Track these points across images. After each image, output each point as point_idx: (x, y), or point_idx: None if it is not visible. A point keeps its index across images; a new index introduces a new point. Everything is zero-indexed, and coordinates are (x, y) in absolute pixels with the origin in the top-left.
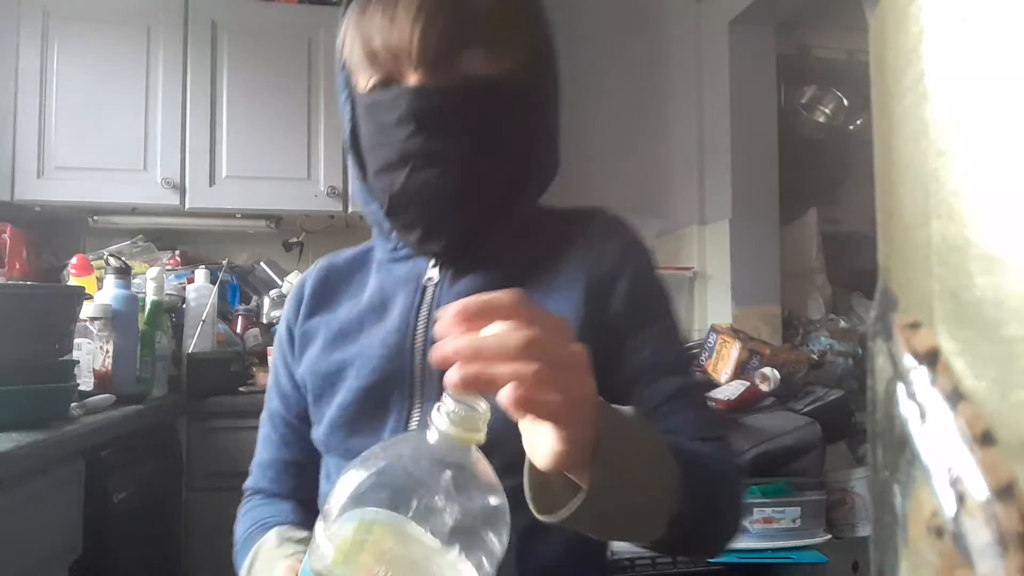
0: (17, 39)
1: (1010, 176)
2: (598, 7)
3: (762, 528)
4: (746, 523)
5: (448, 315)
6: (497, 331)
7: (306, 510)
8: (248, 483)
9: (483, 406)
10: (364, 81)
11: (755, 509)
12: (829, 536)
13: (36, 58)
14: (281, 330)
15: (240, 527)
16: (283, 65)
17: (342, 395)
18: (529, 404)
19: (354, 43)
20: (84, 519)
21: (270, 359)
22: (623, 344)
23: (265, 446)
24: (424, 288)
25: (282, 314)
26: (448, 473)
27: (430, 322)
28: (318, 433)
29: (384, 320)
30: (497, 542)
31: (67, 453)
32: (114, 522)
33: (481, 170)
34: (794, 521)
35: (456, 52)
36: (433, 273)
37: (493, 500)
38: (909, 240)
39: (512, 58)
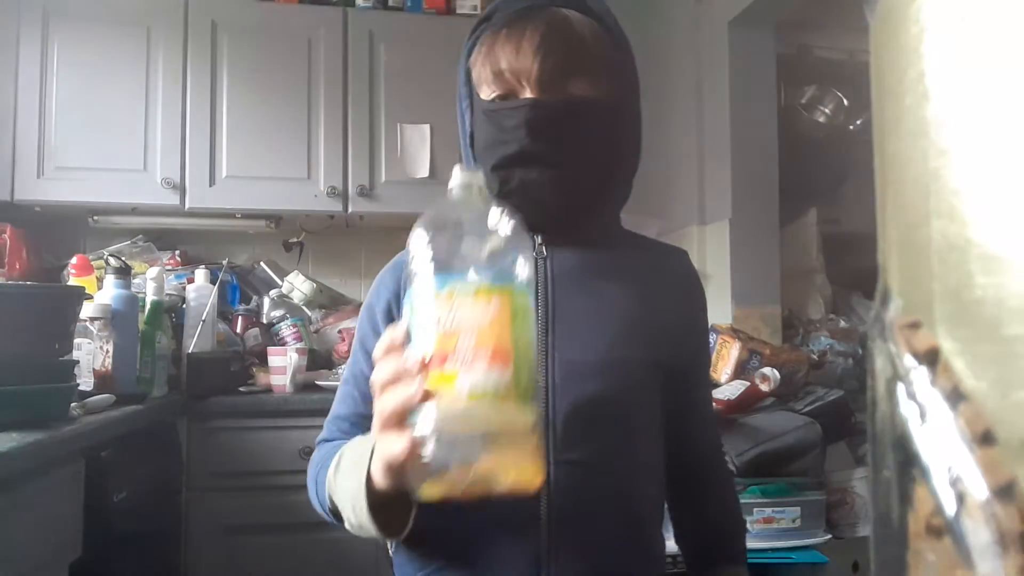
0: (17, 39)
1: (1011, 175)
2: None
3: (762, 528)
4: (746, 523)
5: None
6: None
7: None
8: (321, 435)
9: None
10: (487, 93)
11: (755, 509)
12: (829, 536)
13: (36, 58)
14: (377, 302)
15: (315, 459)
16: (283, 65)
17: None
18: None
19: (485, 64)
20: (84, 519)
21: (271, 358)
22: (690, 382)
23: (343, 402)
24: (535, 260)
25: (378, 289)
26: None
27: (547, 285)
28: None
29: None
30: (522, 261)
31: (67, 453)
32: (114, 522)
33: (573, 172)
34: (794, 521)
35: (564, 77)
36: (541, 248)
37: (505, 229)
38: (909, 240)
39: (606, 88)
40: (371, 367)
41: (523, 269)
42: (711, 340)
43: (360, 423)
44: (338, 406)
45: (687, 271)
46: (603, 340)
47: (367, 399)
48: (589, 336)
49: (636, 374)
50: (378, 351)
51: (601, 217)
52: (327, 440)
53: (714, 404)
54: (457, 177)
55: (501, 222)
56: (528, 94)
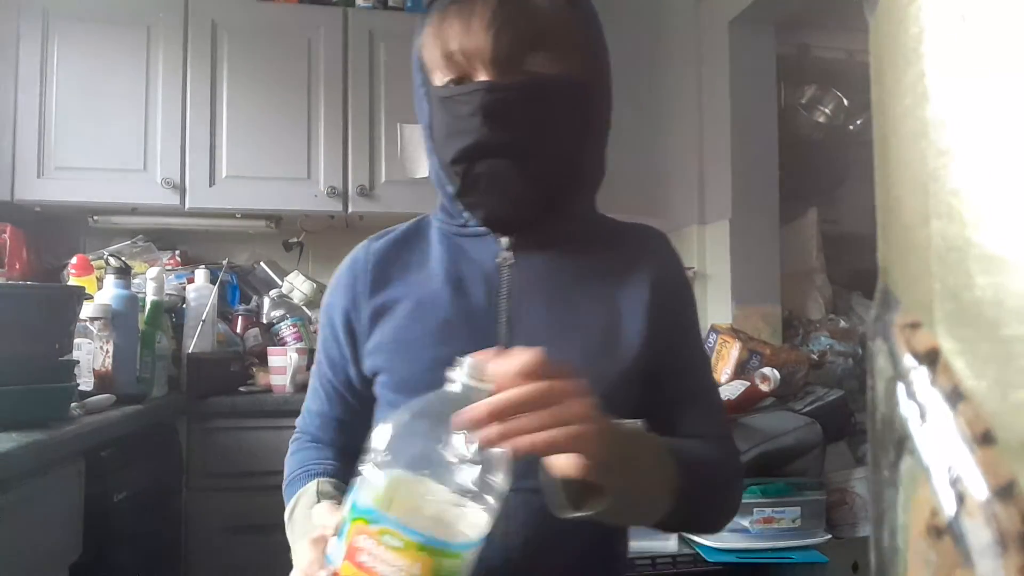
0: (17, 39)
1: (1010, 176)
2: (597, 7)
3: (762, 528)
4: (746, 523)
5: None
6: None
7: (345, 457)
8: (298, 422)
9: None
10: (440, 79)
11: (755, 509)
12: (829, 536)
13: (36, 58)
14: (334, 310)
15: (289, 465)
16: (283, 65)
17: (429, 359)
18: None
19: (434, 46)
20: (84, 519)
21: (271, 358)
22: (674, 364)
23: (313, 397)
24: (500, 267)
25: (332, 295)
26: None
27: (511, 296)
28: (393, 392)
29: (466, 295)
30: (501, 481)
31: (67, 453)
32: (114, 522)
33: (540, 160)
34: (794, 521)
35: (521, 54)
36: (507, 255)
37: (466, 479)
38: (909, 240)
39: (569, 61)
40: (331, 369)
41: (474, 524)
42: (711, 340)
43: (328, 424)
44: (309, 399)
45: (665, 256)
46: (569, 357)
47: (330, 398)
48: (553, 354)
49: (605, 390)
50: (316, 526)
51: (574, 205)
52: (303, 431)
53: None
54: (459, 372)
55: (464, 474)
56: (482, 76)
